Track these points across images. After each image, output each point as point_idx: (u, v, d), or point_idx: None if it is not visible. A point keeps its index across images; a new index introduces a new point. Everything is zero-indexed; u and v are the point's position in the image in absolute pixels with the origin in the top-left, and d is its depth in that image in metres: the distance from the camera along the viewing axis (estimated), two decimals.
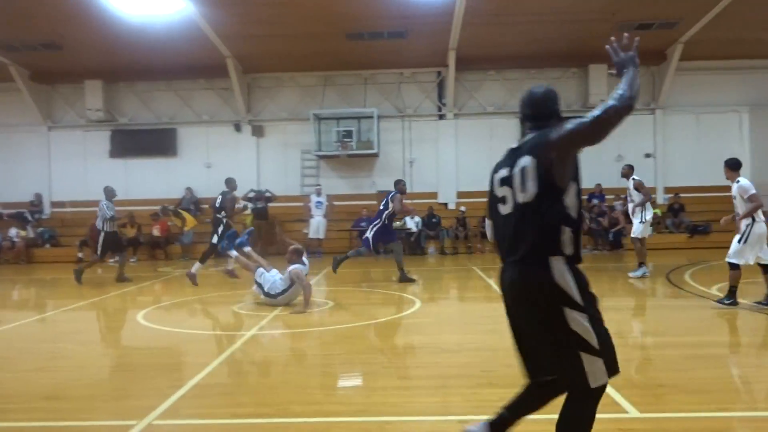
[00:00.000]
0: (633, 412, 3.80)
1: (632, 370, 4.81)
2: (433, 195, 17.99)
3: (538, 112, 2.78)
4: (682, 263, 12.45)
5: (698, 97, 17.70)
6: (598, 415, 3.75)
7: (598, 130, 2.39)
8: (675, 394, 4.17)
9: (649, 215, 10.45)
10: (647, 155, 17.77)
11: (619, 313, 8.00)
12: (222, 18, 14.15)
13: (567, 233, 2.54)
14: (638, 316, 7.75)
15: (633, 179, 10.46)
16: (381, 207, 10.65)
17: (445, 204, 18.01)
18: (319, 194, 16.44)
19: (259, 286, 8.12)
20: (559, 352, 2.55)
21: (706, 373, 4.66)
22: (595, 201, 16.65)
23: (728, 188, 12.32)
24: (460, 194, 17.95)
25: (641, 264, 10.40)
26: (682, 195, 16.92)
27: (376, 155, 17.85)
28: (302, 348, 6.14)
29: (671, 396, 4.14)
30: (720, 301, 7.39)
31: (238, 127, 18.47)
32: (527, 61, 17.23)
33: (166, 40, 15.14)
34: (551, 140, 2.53)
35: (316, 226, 16.14)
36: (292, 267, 7.92)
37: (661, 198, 17.59)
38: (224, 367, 5.17)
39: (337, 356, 5.62)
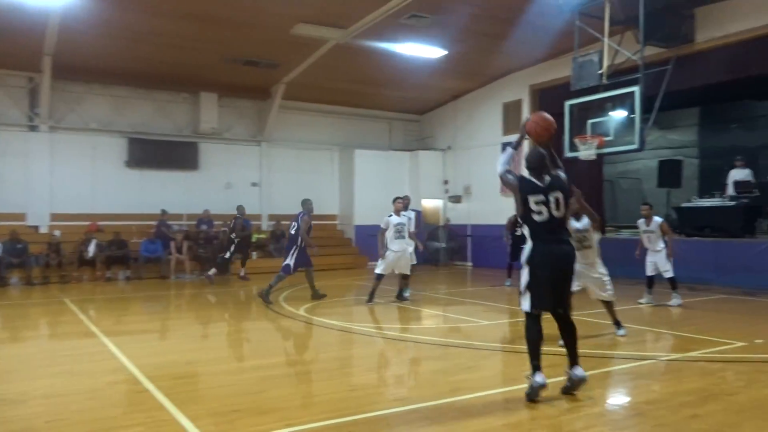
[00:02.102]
0: None
1: (212, 399, 4.85)
2: (20, 216, 15.61)
3: (544, 164, 4.80)
4: (282, 286, 13.34)
5: (298, 133, 19.54)
6: None
7: None
8: (249, 418, 4.33)
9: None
10: (253, 184, 18.78)
11: (214, 341, 8.11)
12: None
13: None
14: (233, 341, 7.95)
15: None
16: (292, 231, 10.78)
17: (36, 227, 15.83)
18: None
19: None
20: (570, 290, 4.92)
21: (279, 392, 4.99)
22: (203, 227, 16.76)
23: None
24: (55, 216, 15.97)
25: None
26: (283, 222, 18.28)
27: None
28: None
29: (245, 420, 4.28)
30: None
31: None
32: (136, 79, 16.49)
33: None
34: (568, 186, 4.87)
35: None
36: None
37: (265, 225, 18.73)
38: None
39: None
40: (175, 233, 16.14)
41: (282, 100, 18.07)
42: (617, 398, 5.04)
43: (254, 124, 18.93)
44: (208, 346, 7.62)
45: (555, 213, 4.73)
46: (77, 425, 4.23)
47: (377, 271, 10.27)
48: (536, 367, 4.61)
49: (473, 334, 7.98)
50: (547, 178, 4.77)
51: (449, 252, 19.17)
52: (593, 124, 12.36)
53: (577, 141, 12.41)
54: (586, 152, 12.13)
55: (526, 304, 4.77)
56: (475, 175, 18.89)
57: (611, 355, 6.51)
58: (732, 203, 12.97)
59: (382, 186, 18.26)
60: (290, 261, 10.58)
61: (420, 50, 14.95)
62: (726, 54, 12.38)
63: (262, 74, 16.71)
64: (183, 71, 16.22)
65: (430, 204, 20.26)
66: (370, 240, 19.20)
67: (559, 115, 13.63)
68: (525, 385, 4.69)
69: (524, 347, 4.70)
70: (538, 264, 4.73)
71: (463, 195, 19.43)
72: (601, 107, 12.30)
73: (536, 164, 4.81)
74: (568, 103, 12.90)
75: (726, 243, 12.45)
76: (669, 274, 9.76)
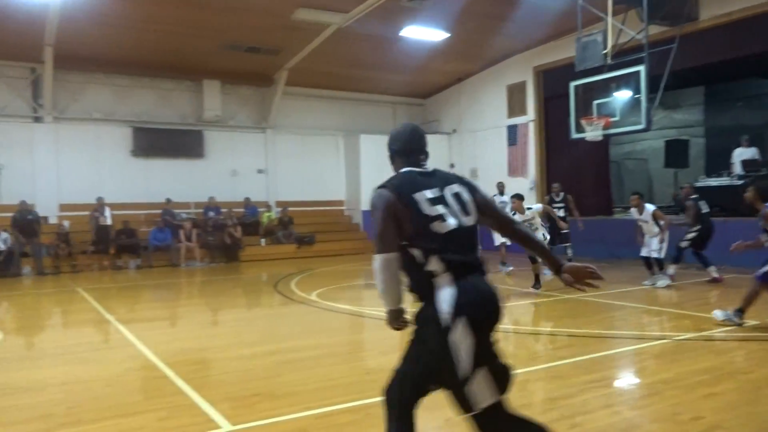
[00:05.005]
0: (226, 426, 3.84)
1: (229, 383, 4.90)
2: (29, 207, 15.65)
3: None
4: (292, 272, 13.41)
5: (303, 119, 19.48)
6: None
7: None
8: (267, 401, 4.37)
9: None
10: (260, 171, 18.78)
11: (227, 327, 8.16)
12: None
13: None
14: (246, 327, 7.99)
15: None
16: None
17: (45, 218, 15.87)
18: None
19: None
20: None
21: (294, 376, 5.02)
22: (211, 214, 16.80)
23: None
24: (63, 207, 16.04)
25: None
26: (290, 209, 18.33)
27: None
28: None
29: (263, 404, 4.32)
30: None
31: None
32: (138, 68, 16.43)
33: None
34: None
35: None
36: None
37: (273, 211, 18.74)
38: None
39: None
40: (183, 221, 16.17)
41: (285, 87, 18.00)
42: (633, 378, 5.07)
43: (258, 111, 18.87)
44: (221, 332, 7.67)
45: None
46: (97, 411, 4.27)
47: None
48: None
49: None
50: None
51: None
52: (599, 104, 12.27)
53: (583, 122, 12.33)
54: (593, 133, 12.05)
55: None
56: (481, 157, 18.83)
57: (624, 336, 6.53)
58: (740, 182, 12.90)
59: (389, 170, 18.08)
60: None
61: (421, 33, 14.85)
62: (729, 32, 12.23)
63: (264, 61, 16.63)
64: (184, 59, 16.15)
65: None
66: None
67: (564, 96, 13.62)
68: (548, 365, 4.70)
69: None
70: None
71: (471, 178, 19.36)
72: (606, 87, 12.19)
73: None
74: (572, 84, 12.78)
75: (735, 223, 12.38)
76: (655, 254, 9.79)
